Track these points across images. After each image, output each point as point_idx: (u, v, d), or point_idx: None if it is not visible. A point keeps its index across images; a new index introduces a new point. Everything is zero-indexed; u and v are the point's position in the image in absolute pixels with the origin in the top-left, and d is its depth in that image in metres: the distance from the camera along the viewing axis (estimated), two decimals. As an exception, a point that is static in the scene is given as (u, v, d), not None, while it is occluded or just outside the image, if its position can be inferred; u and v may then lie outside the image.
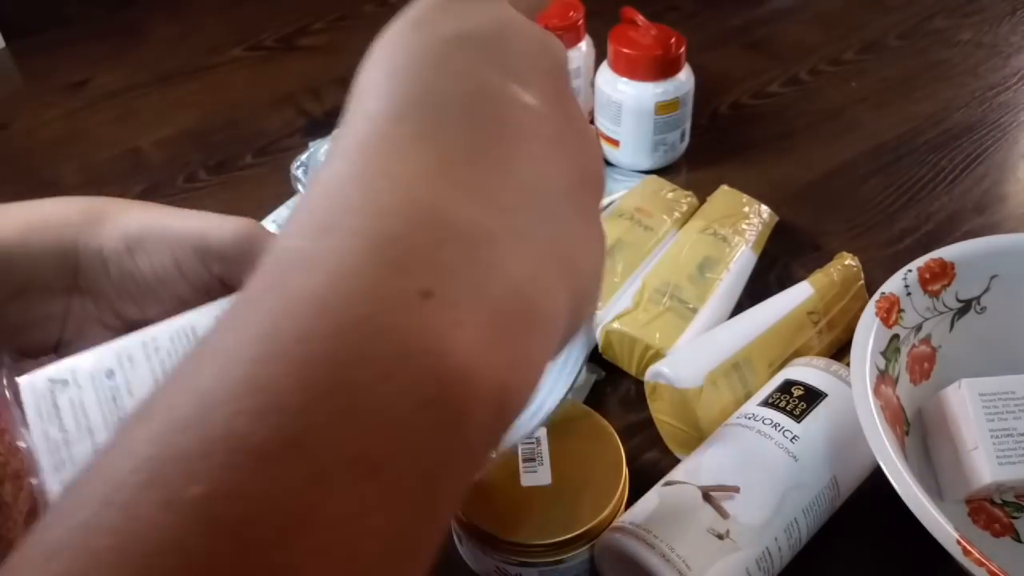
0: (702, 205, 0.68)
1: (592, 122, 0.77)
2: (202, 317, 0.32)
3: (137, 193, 0.78)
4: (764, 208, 0.68)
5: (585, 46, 0.76)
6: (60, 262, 0.32)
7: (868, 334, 0.48)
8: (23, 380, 0.31)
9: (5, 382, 0.30)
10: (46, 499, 0.43)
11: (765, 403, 0.50)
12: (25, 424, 0.30)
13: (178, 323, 0.31)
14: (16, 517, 0.40)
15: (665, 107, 0.72)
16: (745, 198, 0.68)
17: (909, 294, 0.51)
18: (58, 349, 0.34)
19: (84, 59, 0.95)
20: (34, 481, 0.38)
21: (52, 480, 0.30)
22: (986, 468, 0.47)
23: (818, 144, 0.80)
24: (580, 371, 0.34)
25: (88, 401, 0.30)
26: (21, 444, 0.30)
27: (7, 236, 0.31)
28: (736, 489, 0.45)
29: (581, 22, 0.75)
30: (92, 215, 0.33)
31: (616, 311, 0.59)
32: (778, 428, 0.48)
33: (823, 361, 0.53)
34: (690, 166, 0.77)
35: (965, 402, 0.49)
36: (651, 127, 0.73)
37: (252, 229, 0.33)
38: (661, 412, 0.55)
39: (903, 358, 0.51)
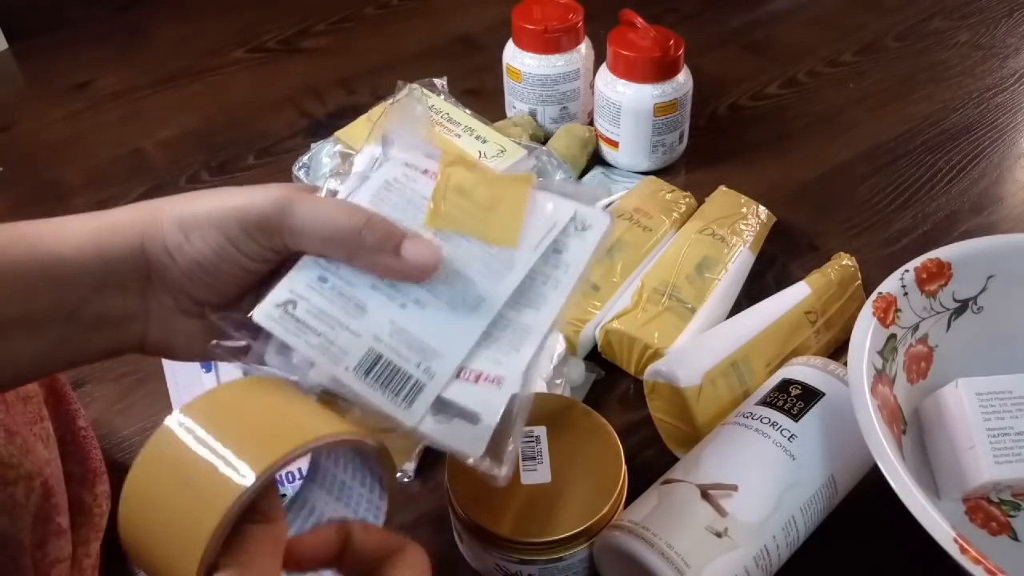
0: (700, 206, 0.69)
1: (591, 123, 0.78)
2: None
3: (139, 194, 0.78)
4: (762, 209, 0.68)
5: (584, 48, 0.77)
6: (132, 260, 0.34)
7: (865, 334, 0.48)
8: (256, 314, 0.33)
9: (232, 328, 0.33)
10: (55, 499, 0.43)
11: (763, 402, 0.50)
12: (286, 347, 0.33)
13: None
14: (26, 518, 0.40)
15: (664, 108, 0.72)
16: (743, 199, 0.68)
17: (906, 294, 0.51)
18: (144, 348, 0.37)
19: (87, 61, 0.96)
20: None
21: (339, 373, 0.33)
22: (983, 467, 0.47)
23: (816, 145, 0.80)
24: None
25: (320, 304, 0.34)
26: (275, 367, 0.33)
27: (82, 240, 0.34)
28: (734, 487, 0.45)
29: (580, 24, 0.75)
30: (153, 214, 0.35)
31: (615, 311, 0.60)
32: (776, 427, 0.48)
33: (821, 360, 0.53)
34: (688, 167, 0.78)
35: (962, 401, 0.49)
36: (650, 128, 0.73)
37: (286, 193, 0.34)
38: (660, 411, 0.56)
39: (900, 358, 0.51)
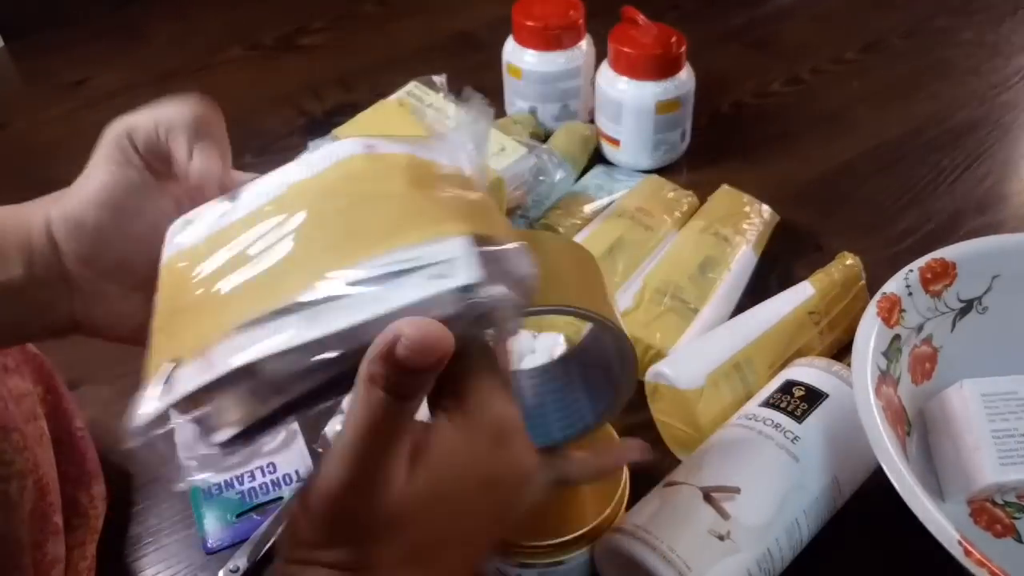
0: (703, 205, 0.68)
1: (592, 121, 0.77)
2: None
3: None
4: (765, 208, 0.68)
5: (585, 45, 0.76)
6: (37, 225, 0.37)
7: (869, 334, 0.48)
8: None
9: None
10: (50, 498, 0.43)
11: (766, 403, 0.50)
12: None
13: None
14: (22, 516, 0.40)
15: (665, 106, 0.72)
16: (746, 198, 0.68)
17: (910, 294, 0.51)
18: (75, 314, 0.37)
19: (83, 59, 0.95)
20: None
21: None
22: (988, 469, 0.47)
23: (819, 144, 0.80)
24: None
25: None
26: None
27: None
28: (737, 490, 0.45)
29: (581, 21, 0.75)
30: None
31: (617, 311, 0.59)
32: (779, 429, 0.48)
33: (824, 361, 0.53)
34: (691, 166, 0.77)
35: (967, 402, 0.49)
36: (651, 126, 0.73)
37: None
38: (662, 413, 0.55)
39: (904, 358, 0.50)
